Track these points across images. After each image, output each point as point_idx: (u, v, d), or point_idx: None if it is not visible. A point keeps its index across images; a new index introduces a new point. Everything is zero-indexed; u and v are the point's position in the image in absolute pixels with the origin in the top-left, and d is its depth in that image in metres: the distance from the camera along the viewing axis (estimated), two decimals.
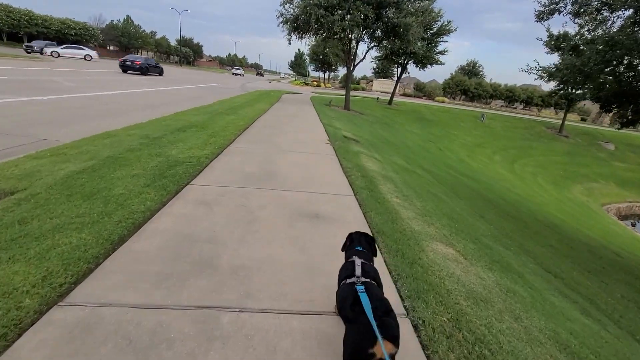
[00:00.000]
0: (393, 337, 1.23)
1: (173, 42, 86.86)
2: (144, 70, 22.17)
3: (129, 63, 21.61)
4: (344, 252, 1.86)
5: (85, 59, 29.72)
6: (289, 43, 21.34)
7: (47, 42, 30.69)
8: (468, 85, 54.56)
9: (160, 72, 24.59)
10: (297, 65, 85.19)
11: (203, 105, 10.63)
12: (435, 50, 27.82)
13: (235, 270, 2.14)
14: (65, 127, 5.94)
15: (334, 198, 3.74)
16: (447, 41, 27.10)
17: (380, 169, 5.62)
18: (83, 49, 30.51)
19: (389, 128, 17.80)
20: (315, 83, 54.95)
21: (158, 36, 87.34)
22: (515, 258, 3.83)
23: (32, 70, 15.64)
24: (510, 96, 57.39)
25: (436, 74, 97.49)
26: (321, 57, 51.85)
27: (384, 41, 22.39)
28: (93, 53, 30.84)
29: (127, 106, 9.20)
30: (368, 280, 1.48)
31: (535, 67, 22.16)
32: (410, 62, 28.78)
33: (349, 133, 9.61)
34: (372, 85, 62.71)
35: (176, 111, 8.89)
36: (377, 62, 29.17)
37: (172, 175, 3.70)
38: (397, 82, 30.63)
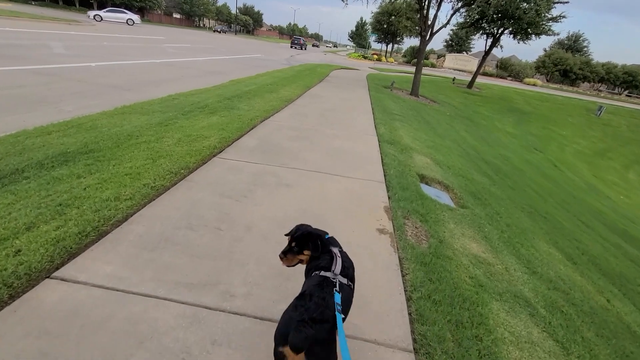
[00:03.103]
0: (296, 348, 1.00)
1: (234, 10, 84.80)
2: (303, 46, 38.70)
3: (296, 41, 42.23)
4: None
5: (127, 23, 27.91)
6: (345, 3, 16.42)
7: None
8: (571, 64, 43.30)
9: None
10: (358, 35, 77.84)
11: (198, 89, 6.81)
12: (546, 15, 20.25)
13: None
14: None
15: None
16: (567, 1, 19.19)
17: None
18: (125, 13, 28.51)
19: (475, 127, 12.42)
20: (375, 57, 48.27)
21: (219, 3, 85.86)
22: None
23: (66, 35, 13.28)
24: (629, 81, 44.67)
25: (517, 49, 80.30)
26: (385, 25, 44.95)
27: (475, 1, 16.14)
28: (135, 17, 28.80)
29: (95, 86, 5.75)
30: (345, 282, 1.23)
31: None
32: (506, 31, 21.58)
33: (427, 159, 5.06)
34: (443, 61, 53.71)
35: (148, 98, 5.29)
36: (458, 30, 22.61)
37: None
38: (483, 58, 23.64)
